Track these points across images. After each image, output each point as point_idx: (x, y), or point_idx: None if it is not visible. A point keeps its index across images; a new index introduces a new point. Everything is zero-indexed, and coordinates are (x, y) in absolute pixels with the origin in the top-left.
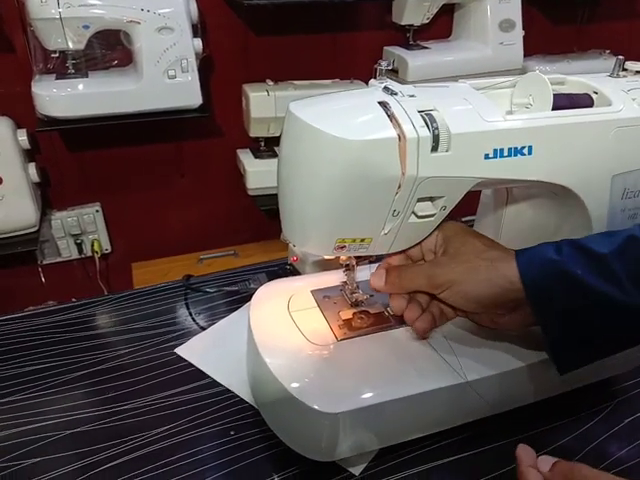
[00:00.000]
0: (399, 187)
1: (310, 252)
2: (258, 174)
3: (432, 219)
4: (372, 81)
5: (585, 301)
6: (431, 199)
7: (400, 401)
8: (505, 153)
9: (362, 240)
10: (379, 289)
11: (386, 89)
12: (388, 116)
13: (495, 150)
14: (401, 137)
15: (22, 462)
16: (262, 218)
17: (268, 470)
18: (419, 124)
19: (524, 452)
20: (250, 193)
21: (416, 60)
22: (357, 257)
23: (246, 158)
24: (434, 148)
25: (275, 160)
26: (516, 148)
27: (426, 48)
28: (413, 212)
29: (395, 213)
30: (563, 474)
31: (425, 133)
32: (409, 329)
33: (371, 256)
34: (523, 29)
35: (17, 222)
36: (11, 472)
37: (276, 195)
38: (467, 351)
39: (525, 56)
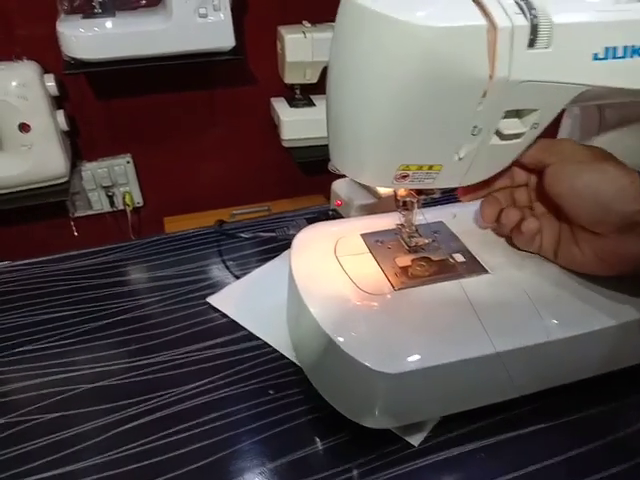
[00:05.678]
0: (484, 94)
1: (365, 183)
2: (293, 124)
3: (519, 140)
4: None
5: None
6: (519, 114)
7: (468, 363)
8: (619, 53)
9: (430, 167)
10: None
11: None
12: (473, 0)
13: (607, 49)
14: (490, 27)
15: (43, 416)
16: (297, 172)
17: (311, 436)
18: (513, 10)
19: None
20: (285, 145)
21: None
22: (419, 192)
23: (281, 107)
24: (532, 42)
25: (311, 109)
26: (633, 47)
27: None
28: (497, 131)
29: (475, 131)
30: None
31: (521, 22)
32: (479, 279)
33: (433, 190)
34: None
35: (47, 172)
36: (33, 425)
37: (313, 147)
38: (552, 306)
39: None
